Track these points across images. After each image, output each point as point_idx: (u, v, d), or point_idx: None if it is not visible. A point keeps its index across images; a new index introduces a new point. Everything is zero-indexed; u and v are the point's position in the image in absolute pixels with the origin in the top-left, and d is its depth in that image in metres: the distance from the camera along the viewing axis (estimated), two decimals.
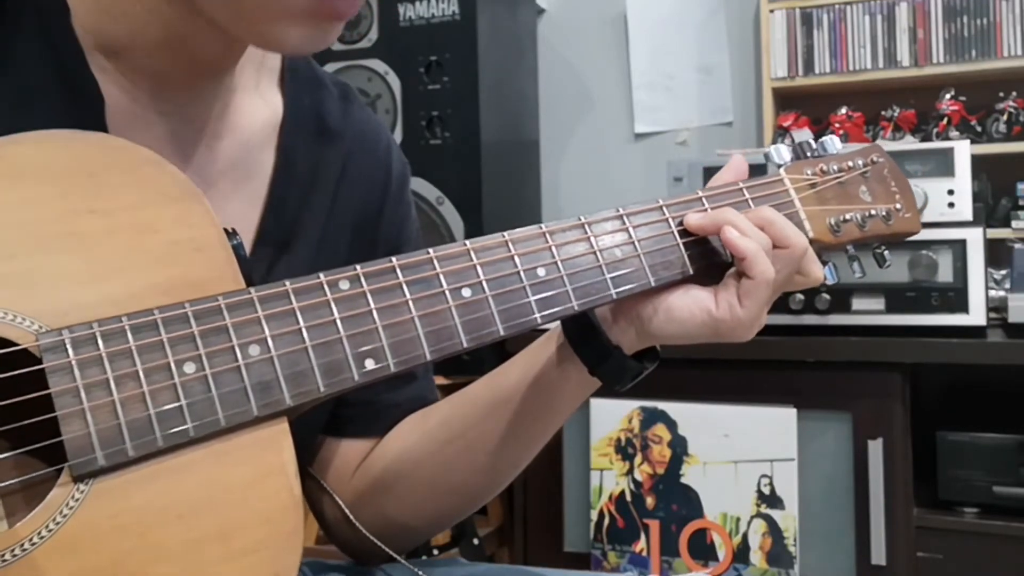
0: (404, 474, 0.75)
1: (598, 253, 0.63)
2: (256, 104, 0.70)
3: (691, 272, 0.65)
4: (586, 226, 0.64)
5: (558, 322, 0.68)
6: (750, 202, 0.69)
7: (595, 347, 0.67)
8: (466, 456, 0.73)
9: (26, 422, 0.48)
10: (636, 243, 0.64)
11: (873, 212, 0.73)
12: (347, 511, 0.74)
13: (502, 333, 0.59)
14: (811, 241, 0.70)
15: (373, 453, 0.77)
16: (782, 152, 0.73)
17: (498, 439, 0.72)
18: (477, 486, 0.75)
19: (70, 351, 0.48)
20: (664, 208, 0.66)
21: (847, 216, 0.72)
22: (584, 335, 0.68)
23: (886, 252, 0.75)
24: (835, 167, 0.73)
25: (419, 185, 2.10)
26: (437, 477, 0.74)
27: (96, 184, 0.52)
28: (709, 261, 0.67)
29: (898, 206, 0.75)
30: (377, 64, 2.14)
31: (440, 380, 1.87)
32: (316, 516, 0.80)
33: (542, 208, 2.52)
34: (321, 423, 0.76)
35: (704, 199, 0.68)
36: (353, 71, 2.15)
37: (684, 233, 0.66)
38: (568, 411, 0.72)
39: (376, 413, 0.77)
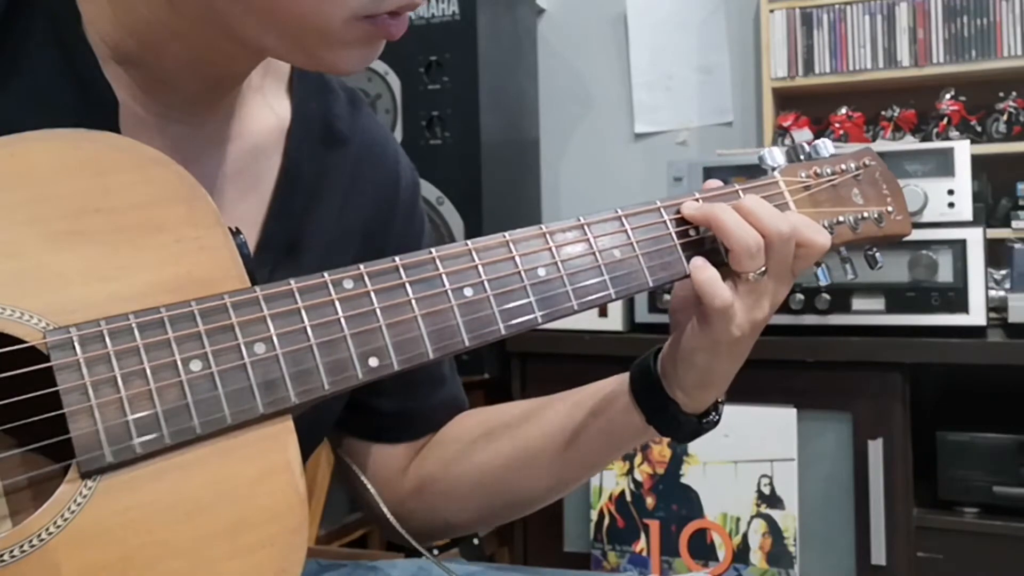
0: (462, 477, 0.78)
1: (597, 254, 0.64)
2: (264, 109, 0.70)
3: (688, 274, 0.66)
4: (585, 227, 0.64)
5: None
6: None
7: (655, 398, 0.70)
8: (528, 474, 0.77)
9: (34, 419, 0.48)
10: (634, 244, 0.65)
11: (865, 214, 0.74)
12: (388, 513, 0.77)
13: (503, 332, 0.59)
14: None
15: (426, 454, 0.80)
16: (775, 155, 0.74)
17: (561, 465, 0.76)
18: (531, 499, 0.79)
19: (78, 348, 0.49)
20: (662, 210, 0.67)
21: (840, 218, 0.73)
22: (646, 385, 0.71)
23: (877, 254, 0.77)
24: (828, 170, 0.75)
25: None
26: (495, 486, 0.78)
27: (103, 183, 0.52)
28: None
29: (890, 209, 0.76)
30: (377, 64, 2.13)
31: None
32: (366, 512, 0.83)
33: (542, 208, 2.52)
34: (330, 422, 0.76)
35: (701, 201, 0.68)
36: None
37: (682, 235, 0.67)
38: (630, 448, 0.76)
39: (412, 419, 0.80)
